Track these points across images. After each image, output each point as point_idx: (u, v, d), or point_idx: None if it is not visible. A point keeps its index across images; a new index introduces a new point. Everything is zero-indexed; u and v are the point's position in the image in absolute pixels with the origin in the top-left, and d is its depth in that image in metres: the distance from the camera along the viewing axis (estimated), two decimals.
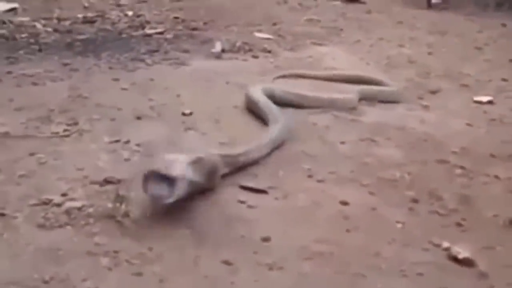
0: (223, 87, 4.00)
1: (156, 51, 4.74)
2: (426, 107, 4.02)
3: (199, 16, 5.97)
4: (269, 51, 4.96)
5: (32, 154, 2.83)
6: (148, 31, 5.34)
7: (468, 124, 3.76)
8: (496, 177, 3.07)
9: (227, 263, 2.18)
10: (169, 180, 2.34)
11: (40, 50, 4.58)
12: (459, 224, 2.61)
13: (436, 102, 4.14)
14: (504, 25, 6.77)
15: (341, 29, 6.02)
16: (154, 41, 5.04)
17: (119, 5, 6.27)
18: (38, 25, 5.27)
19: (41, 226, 2.28)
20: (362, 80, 4.28)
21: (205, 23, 5.75)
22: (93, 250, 2.17)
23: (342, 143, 3.27)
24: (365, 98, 3.95)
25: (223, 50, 4.79)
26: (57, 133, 3.09)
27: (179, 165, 2.38)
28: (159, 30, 5.38)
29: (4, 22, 5.27)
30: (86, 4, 6.21)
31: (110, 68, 4.25)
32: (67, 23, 5.47)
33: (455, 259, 2.33)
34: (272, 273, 2.16)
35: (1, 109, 3.35)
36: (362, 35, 5.88)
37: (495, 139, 3.56)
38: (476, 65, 5.12)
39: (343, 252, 2.31)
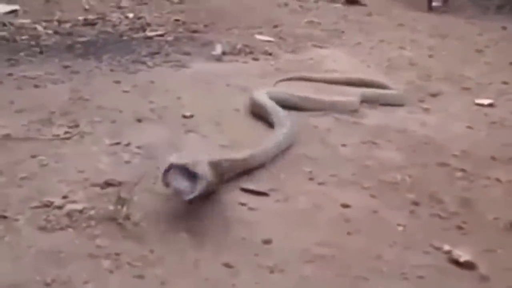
0: (224, 89, 4.00)
1: (157, 53, 4.73)
2: (427, 110, 4.02)
3: (199, 18, 5.97)
4: (270, 54, 4.96)
5: (33, 157, 2.83)
6: (149, 33, 5.34)
7: (469, 127, 3.76)
8: (497, 180, 3.07)
9: (228, 265, 2.18)
10: (192, 176, 2.36)
11: (41, 52, 4.58)
12: (460, 227, 2.61)
13: (437, 105, 4.14)
14: (504, 28, 6.77)
15: (342, 32, 6.02)
16: (155, 43, 5.03)
17: (120, 8, 6.27)
18: (39, 27, 5.27)
19: (42, 229, 2.28)
20: (365, 84, 4.28)
21: (205, 26, 5.75)
22: (95, 252, 2.17)
23: (343, 145, 3.27)
24: (367, 101, 3.95)
25: (223, 53, 4.79)
26: (58, 135, 3.09)
27: (203, 164, 2.40)
28: (160, 32, 5.38)
29: (4, 24, 5.27)
30: (87, 7, 6.20)
31: (111, 70, 4.25)
32: (68, 25, 5.46)
33: (456, 262, 2.34)
34: (273, 276, 2.16)
35: (2, 111, 3.35)
36: (363, 37, 5.88)
37: (496, 142, 3.56)
38: (477, 68, 5.12)
39: (344, 255, 2.31)
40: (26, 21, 5.43)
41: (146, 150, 2.97)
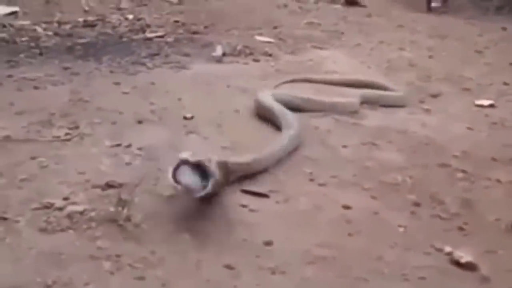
0: (224, 90, 3.99)
1: (157, 54, 4.73)
2: (427, 111, 4.02)
3: (199, 19, 5.97)
4: (270, 55, 4.96)
5: (33, 158, 2.83)
6: (148, 34, 5.34)
7: (470, 128, 3.76)
8: (498, 181, 3.07)
9: (229, 267, 2.18)
10: (203, 174, 2.37)
11: (40, 54, 4.58)
12: (461, 228, 2.61)
13: (437, 105, 4.14)
14: (504, 28, 6.76)
15: (342, 33, 6.01)
16: (155, 44, 5.03)
17: (119, 9, 6.26)
18: (39, 29, 5.27)
19: (43, 230, 2.28)
20: (366, 85, 4.27)
21: (205, 27, 5.74)
22: (96, 254, 2.17)
23: (344, 147, 3.27)
24: (367, 102, 3.95)
25: (224, 54, 4.79)
26: (58, 137, 3.09)
27: (213, 163, 2.41)
28: (159, 33, 5.37)
29: (4, 26, 5.27)
30: (87, 8, 6.20)
31: (111, 72, 4.25)
32: (67, 26, 5.46)
33: (457, 263, 2.34)
34: (274, 277, 2.16)
35: (2, 113, 3.35)
36: (363, 38, 5.87)
37: (497, 143, 3.56)
38: (477, 68, 5.12)
39: (345, 256, 2.31)
40: (26, 22, 5.43)
41: (147, 152, 2.97)
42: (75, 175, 2.69)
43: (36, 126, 3.19)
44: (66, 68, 4.23)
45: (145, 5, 6.52)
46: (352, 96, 3.95)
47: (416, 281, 2.22)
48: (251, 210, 2.56)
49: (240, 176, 2.76)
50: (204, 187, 2.37)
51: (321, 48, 5.33)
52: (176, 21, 5.87)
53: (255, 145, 3.11)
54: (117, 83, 3.95)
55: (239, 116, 3.58)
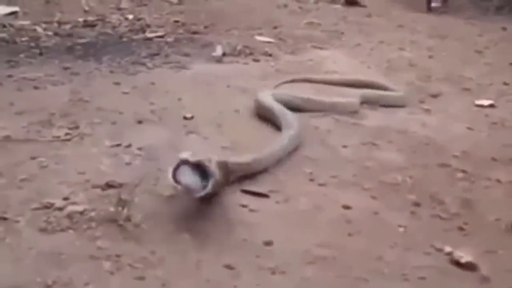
0: (224, 90, 3.99)
1: (157, 54, 4.73)
2: (427, 111, 4.02)
3: (199, 19, 5.97)
4: (270, 55, 4.96)
5: (33, 158, 2.83)
6: (148, 34, 5.34)
7: (469, 128, 3.76)
8: (498, 181, 3.07)
9: (229, 267, 2.18)
10: (203, 174, 2.37)
11: (40, 54, 4.58)
12: (461, 228, 2.61)
13: (437, 105, 4.14)
14: (504, 28, 6.76)
15: (342, 33, 6.01)
16: (155, 44, 5.03)
17: (119, 9, 6.26)
18: (39, 29, 5.27)
19: (43, 230, 2.28)
20: (367, 85, 4.27)
21: (205, 27, 5.74)
22: (96, 254, 2.17)
23: (344, 147, 3.27)
24: (367, 102, 3.95)
25: (224, 54, 4.79)
26: (58, 137, 3.09)
27: (213, 163, 2.41)
28: (159, 33, 5.37)
29: (4, 26, 5.27)
30: (87, 8, 6.20)
31: (111, 71, 4.25)
32: (67, 26, 5.46)
33: (457, 263, 2.34)
34: (274, 277, 2.16)
35: (2, 113, 3.35)
36: (363, 38, 5.87)
37: (497, 143, 3.56)
38: (477, 68, 5.12)
39: (345, 256, 2.31)
40: (26, 22, 5.43)
41: (147, 152, 2.97)
42: (75, 175, 2.69)
43: (36, 126, 3.19)
44: (66, 68, 4.23)
45: (145, 5, 6.52)
46: (352, 96, 3.95)
47: (416, 281, 2.22)
48: (251, 210, 2.56)
49: (240, 176, 2.75)
50: (204, 187, 2.37)
51: (321, 48, 5.33)
52: (176, 21, 5.87)
53: (255, 145, 3.11)
54: (117, 83, 3.95)
55: (239, 116, 3.58)
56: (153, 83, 4.00)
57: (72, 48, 4.80)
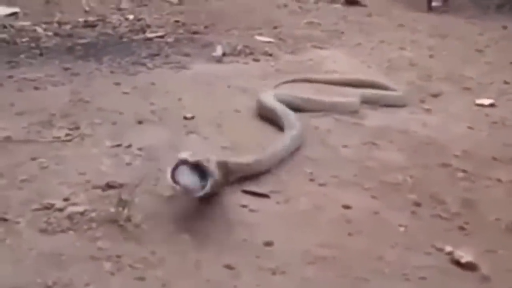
0: (225, 90, 3.99)
1: (157, 55, 4.73)
2: (428, 111, 4.02)
3: (199, 19, 5.97)
4: (270, 55, 4.96)
5: (33, 159, 2.83)
6: (149, 35, 5.34)
7: (470, 127, 3.76)
8: (499, 180, 3.07)
9: (229, 267, 2.18)
10: (201, 174, 2.37)
11: (41, 54, 4.58)
12: (461, 228, 2.61)
13: (438, 105, 4.14)
14: (505, 27, 6.76)
15: (342, 32, 6.01)
16: (155, 45, 5.03)
17: (119, 9, 6.27)
18: (39, 29, 5.27)
19: (43, 231, 2.28)
20: (367, 85, 4.27)
21: (206, 27, 5.74)
22: (96, 254, 2.16)
23: (344, 146, 3.27)
24: (367, 102, 3.95)
25: (224, 54, 4.79)
26: (58, 137, 3.09)
27: (212, 163, 2.41)
28: (160, 34, 5.37)
29: (5, 26, 5.27)
30: (87, 8, 6.20)
31: (111, 72, 4.25)
32: (68, 27, 5.46)
33: (457, 263, 2.34)
34: (274, 278, 2.15)
35: (2, 114, 3.35)
36: (363, 38, 5.87)
37: (497, 142, 3.56)
38: (478, 67, 5.11)
39: (345, 256, 2.31)
40: (26, 23, 5.43)
41: (147, 152, 2.97)
42: (76, 175, 2.69)
43: (37, 127, 3.19)
44: (66, 69, 4.23)
45: (145, 5, 6.52)
46: (353, 96, 3.95)
47: (416, 281, 2.22)
48: (251, 210, 2.56)
49: (241, 176, 2.75)
50: (203, 187, 2.37)
51: (321, 48, 5.33)
52: (176, 21, 5.87)
53: (255, 145, 3.11)
54: (118, 84, 3.95)
55: (239, 116, 3.58)
56: (153, 83, 4.01)
57: (72, 48, 4.80)
